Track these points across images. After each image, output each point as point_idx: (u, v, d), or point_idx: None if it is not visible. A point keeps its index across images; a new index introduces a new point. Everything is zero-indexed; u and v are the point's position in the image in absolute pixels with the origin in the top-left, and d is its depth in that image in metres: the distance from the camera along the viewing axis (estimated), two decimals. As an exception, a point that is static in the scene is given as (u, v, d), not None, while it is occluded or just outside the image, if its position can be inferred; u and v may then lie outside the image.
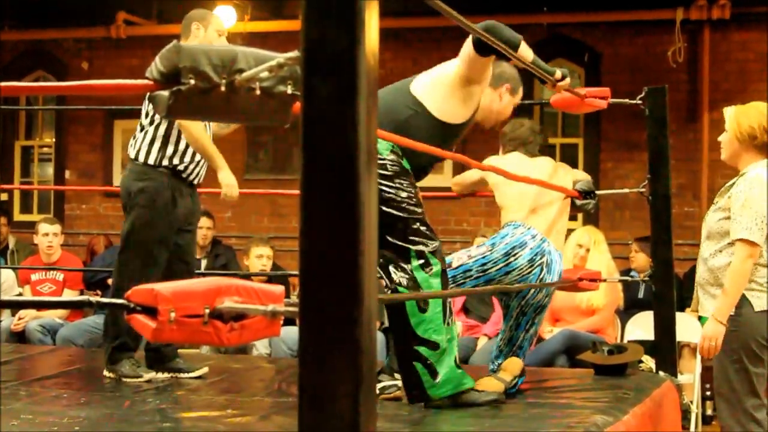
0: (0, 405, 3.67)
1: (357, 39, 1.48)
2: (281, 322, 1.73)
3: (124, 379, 4.37)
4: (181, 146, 4.45)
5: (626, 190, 5.54)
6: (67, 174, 9.73)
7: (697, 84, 8.42)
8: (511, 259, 4.14)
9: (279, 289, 1.72)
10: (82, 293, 7.20)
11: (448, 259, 4.17)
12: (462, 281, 4.17)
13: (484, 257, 4.16)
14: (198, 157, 4.48)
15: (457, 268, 4.15)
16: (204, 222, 7.02)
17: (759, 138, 4.04)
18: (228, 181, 4.48)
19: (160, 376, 4.49)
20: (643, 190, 4.75)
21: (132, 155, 4.49)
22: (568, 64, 8.98)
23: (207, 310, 1.64)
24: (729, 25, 8.33)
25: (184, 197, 4.53)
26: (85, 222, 9.78)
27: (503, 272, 4.15)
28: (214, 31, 4.52)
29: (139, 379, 4.38)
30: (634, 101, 4.73)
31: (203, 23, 4.52)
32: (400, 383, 3.89)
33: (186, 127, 4.36)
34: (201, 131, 4.37)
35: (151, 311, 1.64)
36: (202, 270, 6.89)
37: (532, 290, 4.24)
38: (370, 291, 1.49)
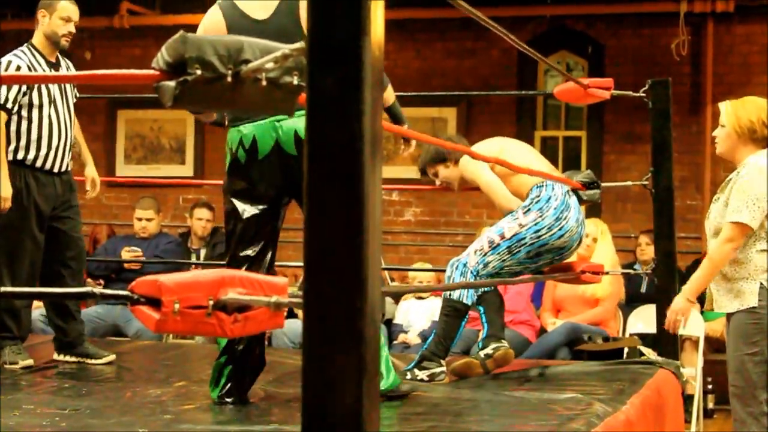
0: (0, 395, 3.68)
1: (362, 30, 1.48)
2: (285, 313, 1.73)
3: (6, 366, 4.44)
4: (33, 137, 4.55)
5: (629, 183, 5.54)
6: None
7: (701, 77, 8.41)
8: (563, 222, 4.23)
9: (282, 280, 1.72)
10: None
11: (498, 229, 4.26)
12: (516, 250, 4.24)
13: (536, 224, 4.22)
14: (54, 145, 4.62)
15: (511, 238, 4.22)
16: (204, 214, 7.23)
17: (759, 132, 4.03)
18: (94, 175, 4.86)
19: (69, 359, 4.66)
20: (646, 182, 4.75)
21: None
22: (571, 57, 8.98)
23: (211, 302, 1.64)
24: (733, 17, 8.31)
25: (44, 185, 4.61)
26: (88, 212, 9.73)
27: (557, 236, 4.21)
28: (58, 18, 4.58)
29: (15, 366, 4.45)
30: (638, 94, 4.72)
31: (48, 10, 4.59)
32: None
33: None
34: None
35: (155, 302, 1.63)
36: (201, 260, 7.02)
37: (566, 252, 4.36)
38: (374, 283, 1.49)
